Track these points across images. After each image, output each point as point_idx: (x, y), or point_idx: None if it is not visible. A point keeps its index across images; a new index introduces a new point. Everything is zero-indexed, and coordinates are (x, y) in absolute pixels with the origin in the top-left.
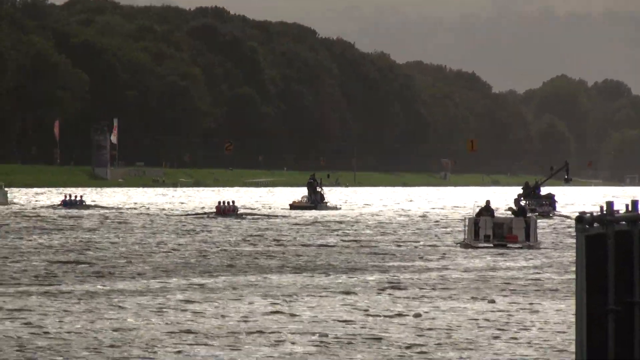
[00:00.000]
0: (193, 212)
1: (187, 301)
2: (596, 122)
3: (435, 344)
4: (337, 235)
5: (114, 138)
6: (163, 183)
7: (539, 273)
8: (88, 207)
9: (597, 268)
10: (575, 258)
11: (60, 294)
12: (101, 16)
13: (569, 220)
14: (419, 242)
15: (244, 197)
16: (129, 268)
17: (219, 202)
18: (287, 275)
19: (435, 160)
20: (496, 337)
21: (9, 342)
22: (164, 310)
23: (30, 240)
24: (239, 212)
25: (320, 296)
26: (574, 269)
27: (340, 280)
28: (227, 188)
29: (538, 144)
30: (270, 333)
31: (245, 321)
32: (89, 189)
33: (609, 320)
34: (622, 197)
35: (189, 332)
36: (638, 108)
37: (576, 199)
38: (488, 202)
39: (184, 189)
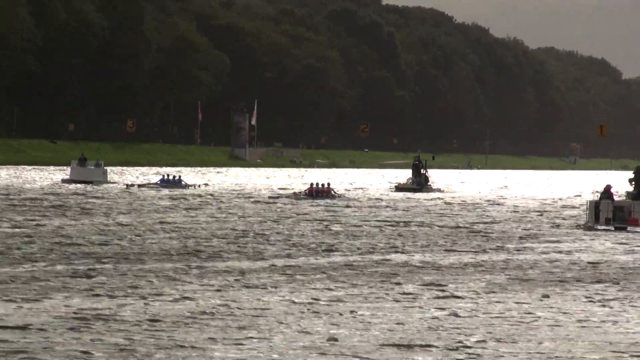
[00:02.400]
0: (276, 195)
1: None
2: None
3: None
4: (449, 216)
5: (253, 120)
6: (300, 164)
7: None
8: (186, 186)
9: None
10: None
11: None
12: None
13: None
14: (531, 225)
15: (344, 177)
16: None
17: (311, 184)
18: (432, 254)
19: (565, 145)
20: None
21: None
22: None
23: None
24: (336, 194)
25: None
26: None
27: (467, 261)
28: (362, 169)
29: None
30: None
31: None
32: (225, 169)
33: None
34: None
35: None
36: None
37: None
38: (608, 186)
39: (320, 169)
